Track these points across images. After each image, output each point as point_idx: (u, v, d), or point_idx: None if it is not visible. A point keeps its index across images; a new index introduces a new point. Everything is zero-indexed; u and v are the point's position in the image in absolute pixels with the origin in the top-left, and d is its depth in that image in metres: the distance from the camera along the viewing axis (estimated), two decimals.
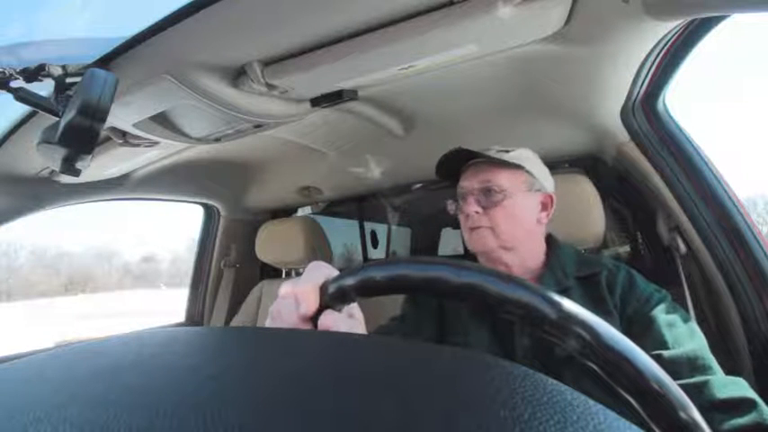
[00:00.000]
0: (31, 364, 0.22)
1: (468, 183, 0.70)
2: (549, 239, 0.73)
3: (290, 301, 0.33)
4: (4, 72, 0.52)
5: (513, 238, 0.67)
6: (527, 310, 0.25)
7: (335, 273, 0.34)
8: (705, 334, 0.57)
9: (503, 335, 0.64)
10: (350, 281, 0.31)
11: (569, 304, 0.25)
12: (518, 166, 0.68)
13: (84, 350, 0.23)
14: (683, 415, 0.22)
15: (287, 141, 1.10)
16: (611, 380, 0.23)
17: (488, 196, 0.68)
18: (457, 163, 0.73)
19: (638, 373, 0.23)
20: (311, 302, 0.32)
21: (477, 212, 0.67)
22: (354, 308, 0.37)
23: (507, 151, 0.70)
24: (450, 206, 0.74)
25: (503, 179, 0.68)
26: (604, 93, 0.86)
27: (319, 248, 1.44)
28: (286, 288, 0.34)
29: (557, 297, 0.25)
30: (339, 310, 0.33)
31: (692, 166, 0.88)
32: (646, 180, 0.96)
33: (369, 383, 0.17)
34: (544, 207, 0.71)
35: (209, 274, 1.63)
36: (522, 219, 0.68)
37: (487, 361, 0.19)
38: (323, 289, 0.33)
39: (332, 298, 0.32)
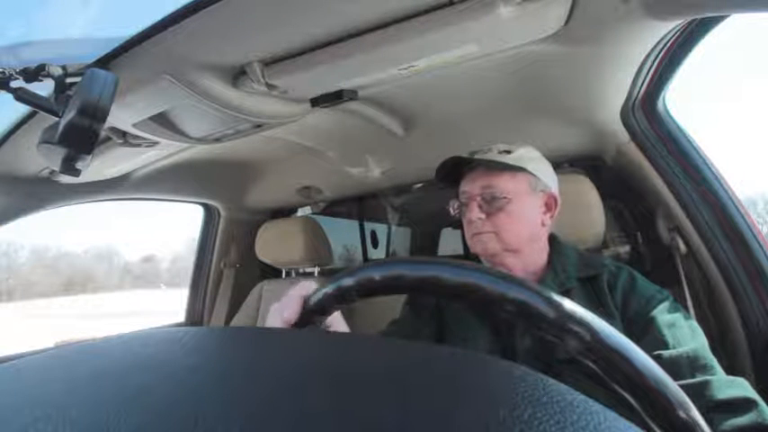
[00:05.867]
0: (31, 364, 0.22)
1: (470, 187, 0.69)
2: (552, 240, 0.73)
3: (282, 305, 0.36)
4: (4, 72, 0.52)
5: (517, 241, 0.67)
6: (524, 308, 0.25)
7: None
8: (705, 334, 0.57)
9: (503, 335, 0.64)
10: (329, 290, 0.33)
11: (567, 303, 0.25)
12: (520, 168, 0.67)
13: (84, 350, 0.23)
14: (681, 413, 0.22)
15: (287, 141, 1.10)
16: (608, 378, 0.23)
17: (491, 202, 0.66)
18: (457, 165, 0.71)
19: (635, 371, 0.23)
20: (292, 311, 0.35)
21: (480, 218, 0.67)
22: (336, 320, 0.40)
23: (509, 151, 0.69)
24: (453, 207, 0.73)
25: (504, 183, 0.67)
26: (604, 93, 0.86)
27: (319, 248, 1.44)
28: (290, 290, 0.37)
29: (554, 296, 0.25)
30: (319, 324, 0.35)
31: (692, 166, 0.88)
32: (646, 180, 0.96)
33: (368, 383, 0.17)
34: (548, 208, 0.70)
35: (209, 274, 1.63)
36: (526, 222, 0.67)
37: (487, 361, 0.19)
38: (305, 302, 0.35)
39: (312, 311, 0.35)
